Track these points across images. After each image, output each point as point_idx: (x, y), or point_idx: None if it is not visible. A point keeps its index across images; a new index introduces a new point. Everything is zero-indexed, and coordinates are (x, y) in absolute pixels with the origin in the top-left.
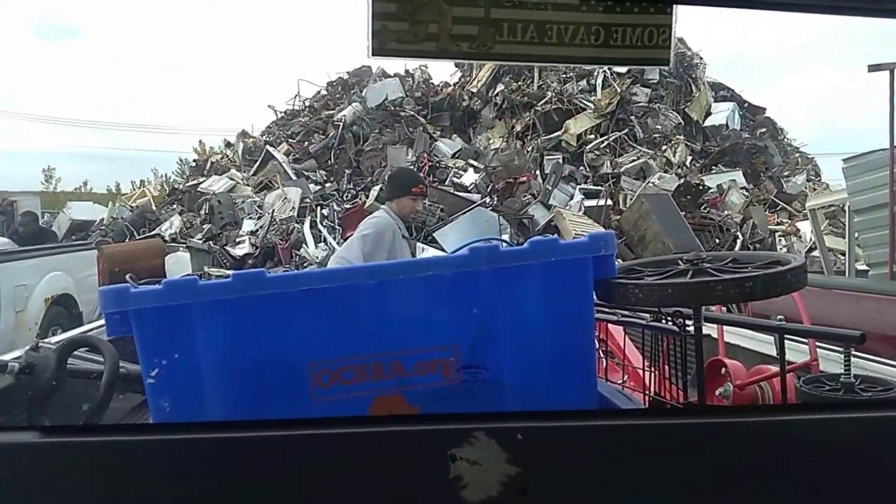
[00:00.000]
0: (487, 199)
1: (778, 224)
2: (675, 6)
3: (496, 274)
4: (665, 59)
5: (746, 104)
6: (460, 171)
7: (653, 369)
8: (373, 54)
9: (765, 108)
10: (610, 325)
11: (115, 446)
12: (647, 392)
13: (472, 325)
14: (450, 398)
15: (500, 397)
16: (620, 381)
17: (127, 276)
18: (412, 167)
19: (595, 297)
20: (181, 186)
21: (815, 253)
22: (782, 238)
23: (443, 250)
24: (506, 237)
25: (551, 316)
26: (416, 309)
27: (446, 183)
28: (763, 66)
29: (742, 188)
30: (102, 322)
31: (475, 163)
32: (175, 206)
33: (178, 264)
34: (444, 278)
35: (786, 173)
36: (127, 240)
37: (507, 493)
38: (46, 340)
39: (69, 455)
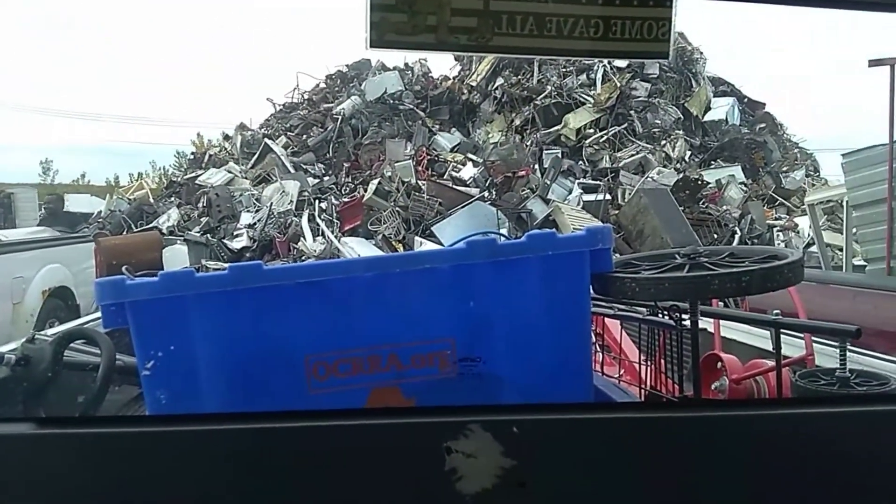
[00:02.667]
0: (486, 194)
1: (776, 219)
2: None
3: (493, 267)
4: (664, 52)
5: (746, 99)
6: (459, 165)
7: (649, 363)
8: (371, 46)
9: (764, 104)
10: (607, 319)
11: (110, 438)
12: (643, 386)
13: (469, 318)
14: (446, 391)
15: (496, 390)
16: (616, 375)
17: (123, 268)
18: None
19: (592, 290)
20: (179, 179)
21: (814, 248)
22: (781, 233)
23: (441, 244)
24: (504, 231)
25: (548, 309)
26: (413, 302)
27: (445, 177)
28: (763, 60)
29: (741, 183)
30: (99, 314)
31: (474, 157)
32: (173, 198)
33: (176, 257)
34: (441, 271)
35: (785, 168)
36: (125, 232)
37: (502, 485)
38: (43, 332)
39: (65, 446)
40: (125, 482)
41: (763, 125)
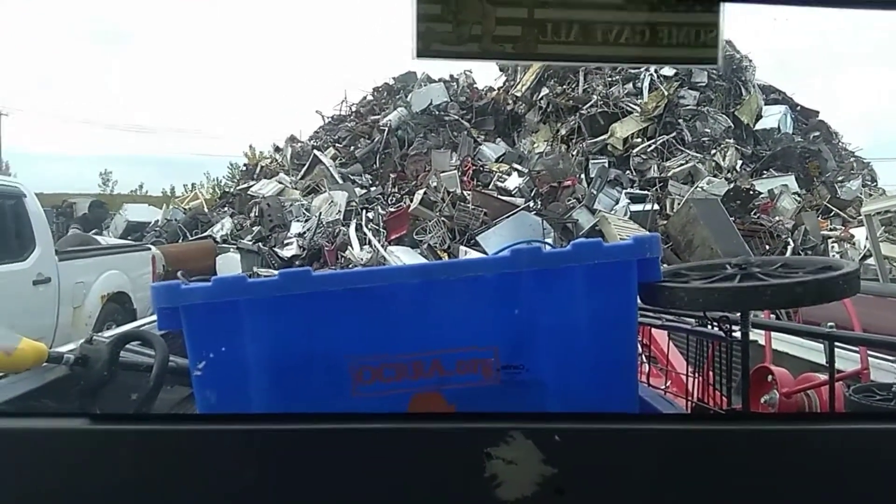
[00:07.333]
0: (531, 204)
1: (831, 230)
2: (722, 4)
3: (538, 276)
4: (713, 58)
5: (799, 107)
6: (504, 175)
7: (697, 375)
8: (417, 56)
9: (818, 111)
10: (654, 330)
11: (161, 434)
12: (689, 398)
13: (513, 326)
14: (489, 398)
15: (539, 399)
16: (663, 387)
17: (178, 273)
18: None
19: (639, 300)
20: (232, 190)
21: (870, 260)
22: (835, 245)
23: (485, 254)
24: (549, 241)
25: (593, 318)
26: (457, 309)
27: (490, 187)
28: (816, 68)
29: (794, 193)
30: (155, 318)
31: (519, 167)
32: (226, 208)
33: (229, 264)
34: (486, 279)
35: (840, 178)
36: (180, 241)
37: (542, 493)
38: (100, 334)
39: (118, 441)
40: (174, 477)
41: (817, 133)
